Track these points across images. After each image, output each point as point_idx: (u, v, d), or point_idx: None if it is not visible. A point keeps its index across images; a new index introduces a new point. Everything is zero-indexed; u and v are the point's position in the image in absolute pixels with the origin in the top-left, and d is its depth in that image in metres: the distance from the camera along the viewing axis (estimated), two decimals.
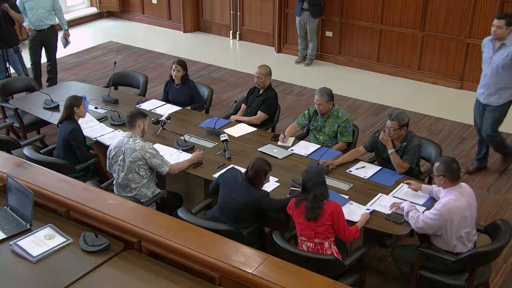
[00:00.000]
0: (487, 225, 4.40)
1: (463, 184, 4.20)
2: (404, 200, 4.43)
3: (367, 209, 4.39)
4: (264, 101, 5.92)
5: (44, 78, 8.06)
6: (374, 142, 5.04)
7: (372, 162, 5.14)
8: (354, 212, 4.35)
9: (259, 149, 5.24)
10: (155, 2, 10.97)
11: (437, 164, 4.16)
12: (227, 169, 4.64)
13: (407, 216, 4.22)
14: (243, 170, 4.51)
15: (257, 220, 4.48)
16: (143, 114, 4.87)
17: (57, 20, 7.85)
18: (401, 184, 4.69)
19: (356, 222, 4.22)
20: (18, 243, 3.40)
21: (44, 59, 7.93)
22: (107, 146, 5.00)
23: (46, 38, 7.73)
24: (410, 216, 4.18)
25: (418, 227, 4.12)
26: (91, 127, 5.59)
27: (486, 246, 4.14)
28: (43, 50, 7.84)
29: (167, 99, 6.34)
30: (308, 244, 4.11)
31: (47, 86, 7.88)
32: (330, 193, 4.47)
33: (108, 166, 4.91)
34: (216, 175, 4.78)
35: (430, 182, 4.99)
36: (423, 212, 4.18)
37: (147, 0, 11.13)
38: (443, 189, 4.18)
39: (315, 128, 5.51)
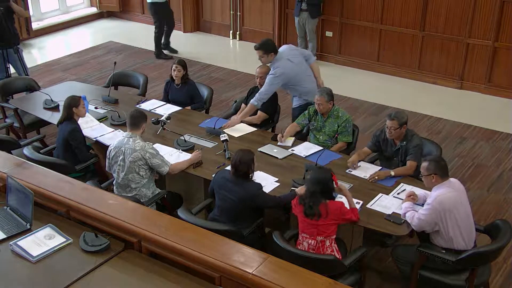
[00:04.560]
0: (487, 225, 4.41)
1: (452, 179, 4.25)
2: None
3: (357, 202, 4.42)
4: None
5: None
6: (377, 141, 5.09)
7: (372, 162, 5.15)
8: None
9: (259, 149, 5.24)
10: None
11: (426, 163, 4.20)
12: (217, 173, 4.63)
13: (404, 217, 4.26)
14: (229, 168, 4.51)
15: (256, 217, 4.48)
16: (146, 116, 4.90)
17: None
18: (401, 184, 4.70)
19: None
20: (18, 243, 3.40)
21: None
22: (107, 146, 4.99)
23: (161, 10, 9.24)
24: (407, 217, 4.22)
25: (414, 225, 4.17)
26: (91, 127, 5.59)
27: (486, 246, 4.14)
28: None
29: (167, 99, 6.33)
30: (310, 241, 4.13)
31: (163, 49, 9.59)
32: None
33: (108, 166, 4.91)
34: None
35: None
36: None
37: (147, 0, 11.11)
38: (432, 187, 4.21)
39: (315, 128, 5.51)
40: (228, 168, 4.52)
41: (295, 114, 5.93)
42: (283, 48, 5.99)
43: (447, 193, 4.11)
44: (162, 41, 9.60)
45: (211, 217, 4.55)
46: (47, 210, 3.73)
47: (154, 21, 9.42)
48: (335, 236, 4.16)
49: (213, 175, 4.66)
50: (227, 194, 4.39)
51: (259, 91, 5.78)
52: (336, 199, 4.35)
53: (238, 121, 5.72)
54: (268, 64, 5.88)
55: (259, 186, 4.43)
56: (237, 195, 4.35)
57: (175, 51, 9.67)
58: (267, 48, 5.78)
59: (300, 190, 4.40)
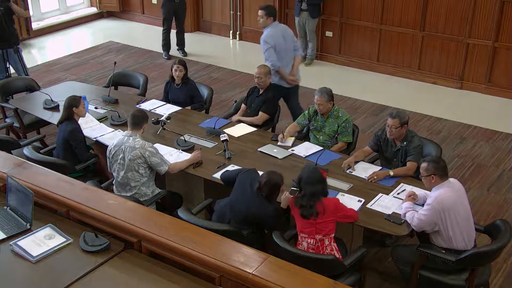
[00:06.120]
0: (487, 225, 4.41)
1: (451, 179, 4.25)
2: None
3: (359, 200, 4.43)
4: (265, 101, 5.92)
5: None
6: (378, 140, 5.10)
7: (372, 162, 5.15)
8: (345, 203, 4.35)
9: (259, 149, 5.24)
10: (155, 2, 10.95)
11: (425, 164, 4.21)
12: (249, 170, 4.55)
13: (404, 217, 4.26)
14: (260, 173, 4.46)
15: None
16: (147, 116, 4.92)
17: None
18: (401, 184, 4.70)
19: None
20: (18, 243, 3.40)
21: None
22: (107, 146, 4.99)
23: (178, 8, 9.15)
24: (407, 217, 4.23)
25: (414, 226, 4.17)
26: (91, 127, 5.59)
27: (486, 246, 4.14)
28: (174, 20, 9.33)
29: (167, 99, 6.33)
30: (309, 240, 4.13)
31: (177, 50, 9.57)
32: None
33: (108, 165, 4.91)
34: (216, 175, 4.79)
35: None
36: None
37: (147, 0, 11.13)
38: (432, 187, 4.21)
39: (315, 128, 5.51)
40: (261, 173, 4.45)
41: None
42: (283, 26, 6.46)
43: (447, 193, 4.12)
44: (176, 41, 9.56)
45: (219, 206, 4.48)
46: (47, 210, 3.73)
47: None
48: (334, 234, 4.16)
49: (241, 168, 4.68)
50: (245, 199, 4.31)
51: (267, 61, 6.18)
52: (337, 196, 4.38)
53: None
54: (263, 29, 6.31)
55: (273, 213, 4.29)
56: (248, 207, 4.28)
57: (184, 54, 9.56)
58: (270, 12, 6.26)
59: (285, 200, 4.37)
